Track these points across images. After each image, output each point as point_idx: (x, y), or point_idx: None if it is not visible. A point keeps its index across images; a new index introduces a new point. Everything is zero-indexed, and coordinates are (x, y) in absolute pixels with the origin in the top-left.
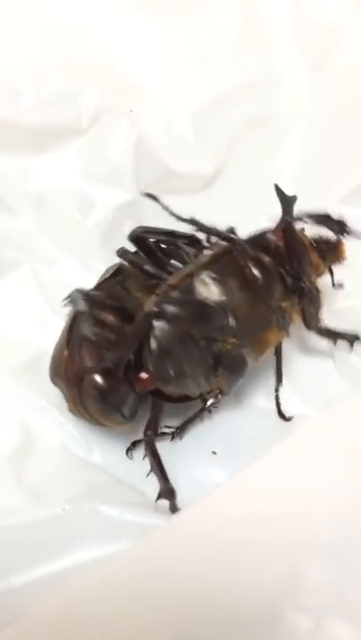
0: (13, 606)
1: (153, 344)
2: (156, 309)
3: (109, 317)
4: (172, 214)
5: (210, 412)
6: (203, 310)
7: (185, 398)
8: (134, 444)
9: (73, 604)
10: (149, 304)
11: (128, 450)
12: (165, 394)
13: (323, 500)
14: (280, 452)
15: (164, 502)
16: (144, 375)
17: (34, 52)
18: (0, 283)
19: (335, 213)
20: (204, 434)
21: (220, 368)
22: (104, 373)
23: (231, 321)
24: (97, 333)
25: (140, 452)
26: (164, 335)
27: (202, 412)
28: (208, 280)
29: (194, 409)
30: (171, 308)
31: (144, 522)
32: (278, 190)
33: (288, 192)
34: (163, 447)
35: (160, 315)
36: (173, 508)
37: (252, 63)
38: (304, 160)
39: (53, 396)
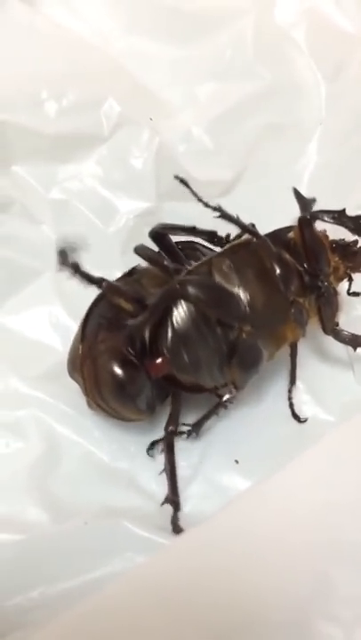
0: (35, 619)
1: (169, 329)
2: (178, 286)
3: (126, 304)
4: (200, 200)
5: (225, 407)
6: (221, 295)
7: (200, 388)
8: (154, 444)
9: (95, 616)
10: (172, 283)
11: (148, 449)
12: (180, 382)
13: (350, 510)
14: (306, 460)
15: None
16: (159, 360)
17: (56, 63)
18: (22, 291)
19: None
20: (226, 441)
21: (234, 358)
22: (120, 361)
23: (248, 309)
24: (113, 321)
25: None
26: (181, 319)
27: (217, 408)
28: (226, 268)
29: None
30: (191, 289)
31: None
32: (297, 193)
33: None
34: (186, 455)
35: (181, 292)
36: (175, 522)
37: (269, 72)
38: (320, 167)
39: (76, 403)
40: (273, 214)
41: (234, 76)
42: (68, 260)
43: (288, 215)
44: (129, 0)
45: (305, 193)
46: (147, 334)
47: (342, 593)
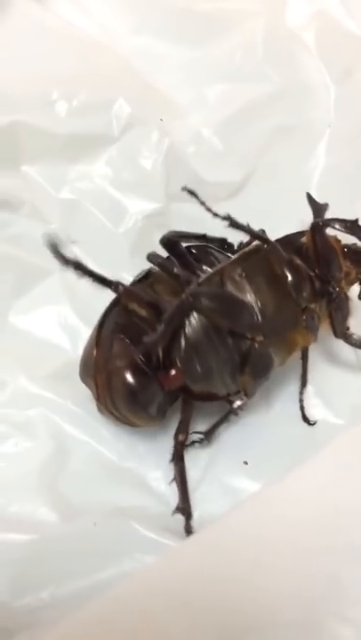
0: (44, 619)
1: (182, 341)
2: (190, 298)
3: (142, 310)
4: (209, 210)
5: (236, 414)
6: (233, 305)
7: (212, 397)
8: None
9: (104, 617)
10: (185, 294)
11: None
12: (193, 392)
13: (360, 512)
14: (316, 464)
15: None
16: (172, 372)
17: (67, 63)
18: (31, 291)
19: None
20: (235, 443)
21: (246, 367)
22: (134, 371)
23: (260, 318)
24: (128, 327)
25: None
26: (193, 330)
27: (228, 416)
28: (237, 277)
29: (221, 414)
30: (205, 301)
31: (173, 537)
32: (310, 198)
33: (319, 200)
34: (195, 456)
35: (194, 304)
36: (188, 530)
37: (279, 75)
38: (329, 169)
39: (84, 403)
40: (282, 216)
41: (244, 78)
42: (78, 264)
43: (297, 216)
44: (140, 1)
45: (314, 195)
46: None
47: (353, 594)
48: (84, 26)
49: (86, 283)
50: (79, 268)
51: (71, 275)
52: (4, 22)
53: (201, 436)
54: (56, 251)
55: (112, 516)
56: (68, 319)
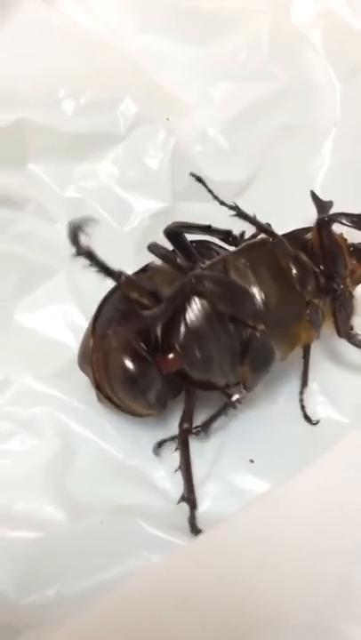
0: (50, 617)
1: (182, 324)
2: (194, 280)
3: (143, 299)
4: (216, 198)
5: (235, 407)
6: (236, 291)
7: (211, 386)
8: (161, 444)
9: (112, 616)
10: (188, 275)
11: (155, 448)
12: (191, 378)
13: None
14: (324, 463)
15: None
16: (171, 356)
17: (74, 61)
18: (36, 289)
19: None
20: (241, 441)
21: (246, 356)
22: (132, 354)
23: (262, 307)
24: (128, 314)
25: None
26: (194, 315)
27: (226, 408)
28: (241, 266)
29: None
30: (207, 284)
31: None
32: (314, 196)
33: (324, 198)
34: (200, 454)
35: (197, 287)
36: (195, 531)
37: (285, 73)
38: (335, 168)
39: (89, 401)
40: (287, 214)
41: (249, 77)
42: (82, 247)
43: (302, 215)
44: (145, 0)
45: (319, 194)
46: (159, 329)
47: None
48: (89, 25)
49: (91, 280)
50: (90, 257)
51: (76, 273)
52: (10, 21)
53: (199, 428)
54: (75, 237)
55: (118, 514)
56: (74, 317)
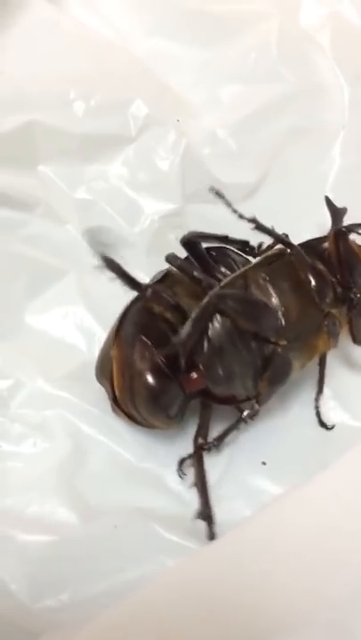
0: (65, 621)
1: (205, 343)
2: (216, 300)
3: (167, 313)
4: (235, 211)
5: (246, 422)
6: (258, 309)
7: (232, 400)
8: (183, 461)
9: (128, 621)
10: (210, 295)
11: (180, 463)
12: (213, 395)
13: None
14: (339, 467)
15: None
16: (194, 375)
17: (84, 63)
18: (47, 291)
19: None
20: (254, 445)
21: (267, 371)
22: (156, 373)
23: (283, 322)
24: (149, 329)
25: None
26: (217, 333)
27: (238, 424)
28: (261, 281)
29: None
30: (230, 302)
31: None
32: (329, 202)
33: (335, 202)
34: (214, 457)
35: (219, 306)
36: (211, 535)
37: (293, 75)
38: (344, 170)
39: (100, 403)
40: (296, 217)
41: (258, 79)
42: (112, 263)
43: (311, 218)
44: (154, 2)
45: (329, 196)
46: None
47: None
48: (98, 27)
49: (100, 281)
50: (117, 270)
51: (87, 275)
52: (20, 23)
53: (210, 442)
54: (103, 251)
55: (132, 517)
56: (84, 320)
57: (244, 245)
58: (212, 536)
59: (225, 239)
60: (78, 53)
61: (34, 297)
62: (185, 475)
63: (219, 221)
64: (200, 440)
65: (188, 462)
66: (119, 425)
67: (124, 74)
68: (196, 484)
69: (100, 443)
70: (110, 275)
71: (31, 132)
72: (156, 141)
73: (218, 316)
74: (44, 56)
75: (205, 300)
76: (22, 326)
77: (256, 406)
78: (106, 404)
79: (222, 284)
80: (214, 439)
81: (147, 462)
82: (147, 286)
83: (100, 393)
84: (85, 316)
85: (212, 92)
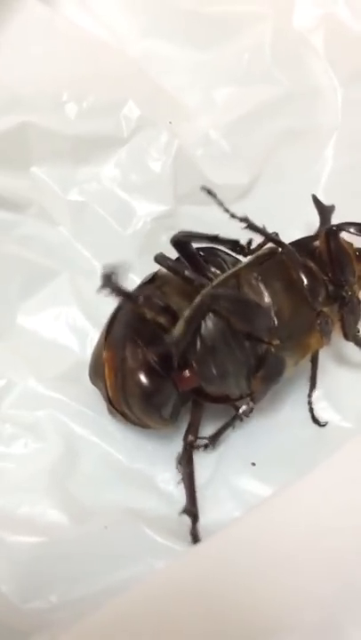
0: (53, 622)
1: (198, 342)
2: (209, 300)
3: (154, 315)
4: (226, 210)
5: (241, 420)
6: (251, 309)
7: (225, 399)
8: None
9: (116, 621)
10: (203, 295)
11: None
12: (206, 394)
13: None
14: (329, 467)
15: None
16: (187, 373)
17: (76, 65)
18: (39, 292)
19: None
20: (244, 445)
21: (260, 370)
22: (149, 373)
23: (276, 322)
24: (141, 329)
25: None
26: (210, 332)
27: (234, 421)
28: (254, 281)
29: (228, 417)
30: (223, 302)
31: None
32: (316, 200)
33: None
34: (203, 457)
35: (212, 306)
36: (195, 535)
37: (287, 77)
38: (337, 172)
39: (93, 404)
40: (289, 218)
41: (252, 81)
42: (113, 285)
43: (304, 219)
44: (148, 3)
45: (321, 198)
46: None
47: None
48: (92, 28)
49: (93, 282)
50: (116, 290)
51: (79, 276)
52: (13, 24)
53: (206, 440)
54: (108, 279)
55: (123, 518)
56: (77, 320)
57: (234, 245)
58: (195, 536)
59: (215, 239)
60: (71, 54)
61: (26, 297)
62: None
63: (211, 223)
64: (190, 437)
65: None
66: (111, 426)
67: (117, 75)
68: (183, 481)
69: (91, 443)
70: (108, 293)
71: (24, 134)
72: (148, 143)
73: (211, 316)
74: (36, 57)
75: (198, 299)
76: (15, 327)
77: (251, 404)
78: (98, 404)
79: (214, 283)
80: (208, 437)
81: (138, 463)
82: (137, 295)
83: (92, 394)
84: (78, 317)
85: (205, 94)
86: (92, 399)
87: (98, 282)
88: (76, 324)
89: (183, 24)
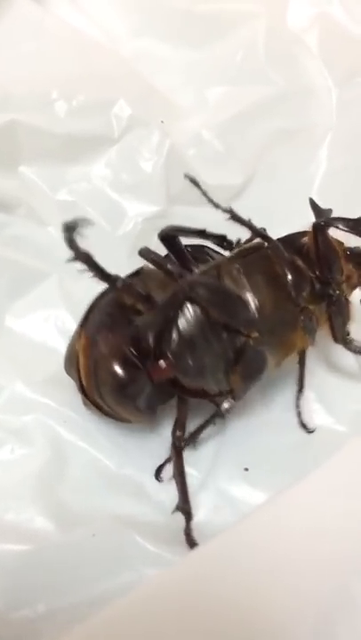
0: (41, 632)
1: (175, 332)
2: (187, 287)
3: (135, 303)
4: (210, 201)
5: (223, 417)
6: (229, 299)
7: (204, 394)
8: (161, 467)
9: (105, 630)
10: (182, 281)
11: (157, 473)
12: (183, 387)
13: None
14: (323, 472)
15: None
16: (162, 364)
17: (67, 63)
18: (28, 294)
19: None
20: (236, 450)
21: (238, 365)
22: (122, 361)
23: (256, 314)
24: (116, 316)
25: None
26: (187, 323)
27: (214, 418)
28: (235, 272)
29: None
30: (201, 290)
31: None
32: (313, 204)
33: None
34: (194, 463)
35: (190, 294)
36: (188, 532)
37: (281, 77)
38: (331, 172)
39: (81, 409)
40: (283, 219)
41: (245, 80)
42: (79, 250)
43: (298, 220)
44: (140, 2)
45: (315, 198)
46: (151, 336)
47: None
48: (83, 27)
49: (83, 284)
50: (87, 260)
51: (69, 277)
52: (2, 23)
53: (189, 438)
54: (71, 240)
55: (112, 525)
56: (65, 323)
57: (221, 240)
58: (192, 543)
59: (202, 233)
60: (61, 53)
61: (15, 299)
62: (162, 480)
63: (203, 224)
64: (178, 432)
65: (169, 468)
66: (99, 431)
67: (107, 74)
68: (174, 478)
69: (80, 449)
70: (81, 266)
71: (13, 133)
72: (139, 142)
73: (189, 305)
74: (26, 56)
75: (176, 286)
76: (2, 329)
77: (232, 401)
78: (87, 409)
79: (196, 274)
80: (190, 434)
81: (127, 469)
82: (117, 278)
83: (80, 398)
84: (67, 320)
85: (198, 93)
86: (80, 404)
87: (87, 284)
88: (65, 326)
89: (176, 23)
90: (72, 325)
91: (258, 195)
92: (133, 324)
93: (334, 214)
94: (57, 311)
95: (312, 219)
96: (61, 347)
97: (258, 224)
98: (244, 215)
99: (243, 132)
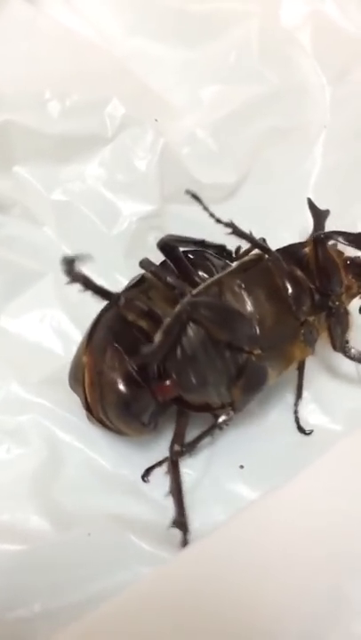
0: (37, 631)
1: (178, 351)
2: (189, 308)
3: (141, 321)
4: (212, 216)
5: (221, 429)
6: (232, 317)
7: (206, 408)
8: (150, 470)
9: (100, 629)
10: (183, 303)
11: (144, 475)
12: (187, 402)
13: None
14: (316, 470)
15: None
16: (167, 383)
17: (60, 63)
18: (23, 294)
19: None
20: (232, 449)
21: (240, 380)
22: (127, 381)
23: (257, 331)
24: (123, 336)
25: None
26: (190, 341)
27: (212, 430)
28: (237, 288)
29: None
30: (203, 311)
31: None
32: (311, 204)
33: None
34: (190, 461)
35: (192, 314)
36: (184, 543)
37: (274, 75)
38: (325, 170)
39: (76, 409)
40: (277, 218)
41: (239, 79)
42: (77, 274)
43: (292, 218)
44: (133, 1)
45: (311, 196)
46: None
47: (357, 607)
48: (77, 27)
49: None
50: (85, 283)
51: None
52: None
53: (185, 447)
54: (70, 268)
55: (106, 525)
56: (61, 323)
57: (221, 250)
58: (185, 544)
59: (202, 243)
60: (55, 53)
61: (10, 299)
62: (148, 481)
63: (198, 222)
64: (176, 447)
65: (164, 469)
66: (95, 431)
67: (101, 73)
68: (171, 492)
69: (75, 449)
70: (79, 287)
71: (6, 133)
72: (133, 141)
73: (191, 324)
74: (19, 56)
75: (178, 308)
76: None
77: (231, 413)
78: (82, 409)
79: (195, 291)
80: (187, 444)
81: (122, 469)
82: (119, 295)
83: (76, 399)
84: (63, 320)
85: (192, 92)
86: (76, 404)
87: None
88: (61, 326)
89: (169, 22)
90: (67, 325)
91: (252, 193)
92: (139, 354)
93: (331, 212)
94: (52, 311)
95: (307, 217)
96: (57, 347)
97: (252, 223)
98: (238, 214)
99: (237, 131)
